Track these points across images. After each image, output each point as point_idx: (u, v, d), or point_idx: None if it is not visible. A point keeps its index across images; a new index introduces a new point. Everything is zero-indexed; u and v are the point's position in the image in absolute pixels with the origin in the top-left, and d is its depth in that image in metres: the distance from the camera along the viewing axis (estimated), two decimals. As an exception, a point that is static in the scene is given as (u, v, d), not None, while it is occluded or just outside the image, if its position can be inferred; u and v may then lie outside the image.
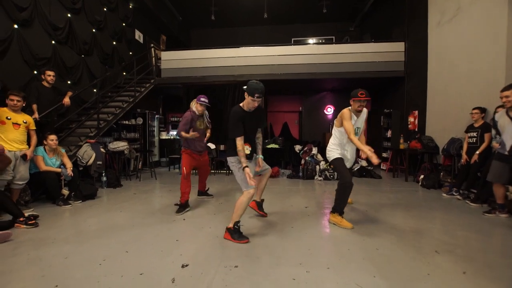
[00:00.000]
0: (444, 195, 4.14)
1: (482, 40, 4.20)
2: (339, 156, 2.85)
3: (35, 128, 3.40)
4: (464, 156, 3.97)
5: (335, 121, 2.97)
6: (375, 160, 2.48)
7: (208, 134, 3.62)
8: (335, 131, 2.94)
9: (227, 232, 2.36)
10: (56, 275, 1.76)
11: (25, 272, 1.81)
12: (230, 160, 2.47)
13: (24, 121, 3.25)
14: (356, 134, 2.78)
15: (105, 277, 1.73)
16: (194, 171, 4.07)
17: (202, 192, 3.97)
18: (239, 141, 2.31)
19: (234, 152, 2.40)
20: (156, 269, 1.85)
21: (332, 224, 2.78)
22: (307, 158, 6.00)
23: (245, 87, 2.48)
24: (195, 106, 3.39)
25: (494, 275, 1.79)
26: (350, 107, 2.83)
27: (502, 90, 2.96)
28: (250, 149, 2.42)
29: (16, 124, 3.15)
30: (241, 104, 2.44)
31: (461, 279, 1.75)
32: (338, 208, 2.77)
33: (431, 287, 1.64)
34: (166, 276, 1.74)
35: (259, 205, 3.01)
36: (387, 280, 1.72)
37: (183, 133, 3.31)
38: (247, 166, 2.27)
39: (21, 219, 2.64)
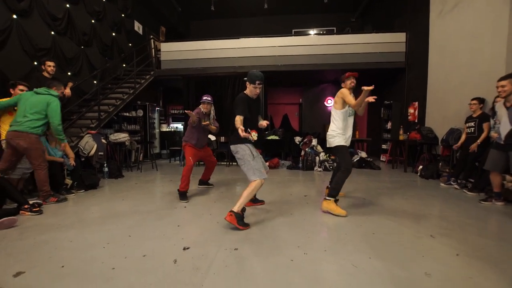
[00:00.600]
0: (442, 184, 4.19)
1: (484, 30, 4.17)
2: (344, 144, 2.88)
3: None
4: (459, 144, 4.09)
5: (334, 105, 2.96)
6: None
7: (213, 127, 3.63)
8: (337, 114, 2.90)
9: (233, 216, 2.31)
10: (62, 257, 1.82)
11: (32, 254, 1.87)
12: (238, 148, 2.47)
13: None
14: (350, 115, 2.94)
15: (109, 258, 1.79)
16: (199, 162, 4.07)
17: (204, 181, 4.02)
18: (240, 118, 2.38)
19: (239, 140, 2.44)
20: (159, 251, 1.91)
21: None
22: (307, 149, 6.04)
23: (245, 78, 2.56)
24: (201, 106, 3.57)
25: (485, 256, 1.84)
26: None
27: (499, 80, 2.98)
28: (256, 135, 2.45)
29: None
30: (245, 92, 2.56)
31: (454, 260, 1.81)
32: (336, 193, 2.81)
33: (425, 267, 1.69)
34: (168, 258, 1.80)
35: (253, 200, 3.06)
36: (382, 260, 1.78)
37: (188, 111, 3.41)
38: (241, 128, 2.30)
39: (26, 206, 2.70)
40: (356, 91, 2.87)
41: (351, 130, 2.99)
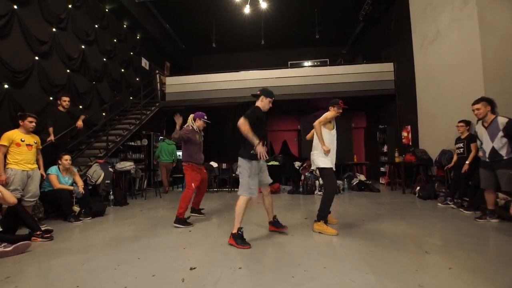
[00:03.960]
0: (440, 204, 4.29)
1: (461, 60, 4.59)
2: (330, 166, 3.00)
3: (41, 147, 3.58)
4: (450, 165, 4.31)
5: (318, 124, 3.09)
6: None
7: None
8: (323, 133, 3.05)
9: (231, 238, 2.53)
10: (76, 278, 1.93)
11: (47, 276, 1.98)
12: (240, 162, 2.63)
13: (35, 141, 3.41)
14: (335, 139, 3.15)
15: (121, 278, 1.90)
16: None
17: (196, 209, 3.94)
18: (248, 124, 2.46)
19: (246, 154, 2.59)
20: (167, 271, 2.01)
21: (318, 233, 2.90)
22: (306, 173, 6.20)
23: (257, 93, 2.83)
24: (196, 123, 3.69)
25: (478, 270, 1.94)
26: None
27: (473, 103, 3.26)
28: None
29: (29, 145, 3.31)
30: (258, 105, 2.77)
31: (447, 273, 1.91)
32: (323, 215, 2.94)
33: (418, 280, 1.79)
34: (176, 277, 1.91)
35: (275, 224, 2.95)
36: (378, 275, 1.88)
37: (180, 132, 3.54)
38: (259, 143, 2.43)
39: (38, 232, 2.81)
40: (343, 118, 3.16)
41: (335, 149, 3.14)
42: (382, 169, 7.47)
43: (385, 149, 7.26)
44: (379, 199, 5.06)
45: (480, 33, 4.15)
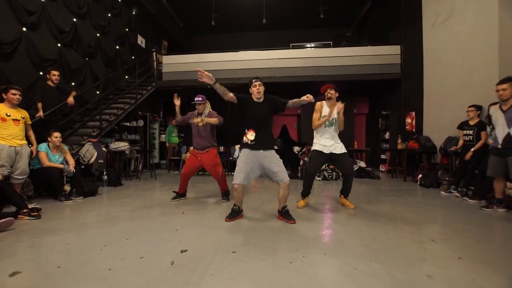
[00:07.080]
0: (443, 193, 4.17)
1: (476, 40, 4.31)
2: (316, 149, 3.21)
3: (30, 122, 3.40)
4: (458, 146, 4.16)
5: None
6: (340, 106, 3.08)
7: (211, 120, 3.39)
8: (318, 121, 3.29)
9: None
10: (58, 258, 1.80)
11: (28, 256, 1.85)
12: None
13: (22, 116, 3.22)
14: (331, 125, 3.19)
15: (106, 260, 1.77)
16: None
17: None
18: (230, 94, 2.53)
19: (242, 145, 2.65)
20: (156, 253, 1.88)
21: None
22: (305, 158, 6.04)
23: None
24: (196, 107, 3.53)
25: (488, 260, 1.82)
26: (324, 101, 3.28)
27: (499, 83, 2.98)
28: (254, 135, 2.52)
29: (16, 120, 3.13)
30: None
31: (456, 263, 1.78)
32: (304, 192, 3.33)
33: (426, 270, 1.67)
34: (165, 260, 1.78)
35: (282, 213, 2.73)
36: (383, 264, 1.75)
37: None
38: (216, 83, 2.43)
39: (25, 210, 2.68)
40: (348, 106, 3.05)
41: (332, 138, 3.21)
42: (383, 156, 7.33)
43: (387, 136, 7.08)
44: (379, 186, 4.93)
45: (499, 11, 3.85)
